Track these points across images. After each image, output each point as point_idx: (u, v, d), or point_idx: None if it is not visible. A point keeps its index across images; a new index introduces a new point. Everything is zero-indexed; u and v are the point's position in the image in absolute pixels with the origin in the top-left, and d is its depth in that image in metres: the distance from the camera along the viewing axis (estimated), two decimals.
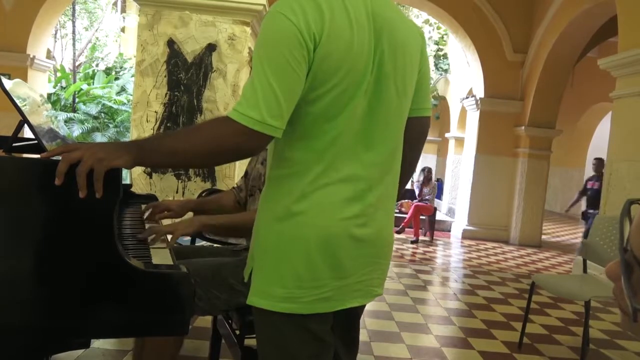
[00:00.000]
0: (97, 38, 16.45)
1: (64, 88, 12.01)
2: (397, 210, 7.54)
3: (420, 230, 7.63)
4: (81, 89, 11.80)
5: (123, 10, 18.56)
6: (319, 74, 1.05)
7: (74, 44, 13.28)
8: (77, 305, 1.21)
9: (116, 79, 12.86)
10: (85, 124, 10.68)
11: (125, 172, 1.55)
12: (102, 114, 11.27)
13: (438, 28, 11.36)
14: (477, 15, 7.67)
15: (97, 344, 2.69)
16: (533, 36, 7.62)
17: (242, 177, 2.15)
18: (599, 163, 6.83)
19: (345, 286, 1.14)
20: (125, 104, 11.37)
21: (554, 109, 7.72)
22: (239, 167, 4.66)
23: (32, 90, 1.91)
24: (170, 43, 4.60)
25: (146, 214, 1.87)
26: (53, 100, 11.22)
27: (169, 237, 1.74)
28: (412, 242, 7.33)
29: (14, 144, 1.60)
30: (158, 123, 4.67)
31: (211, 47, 4.62)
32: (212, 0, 4.56)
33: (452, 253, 7.03)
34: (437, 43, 11.65)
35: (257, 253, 1.16)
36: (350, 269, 1.14)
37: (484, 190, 8.05)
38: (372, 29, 1.11)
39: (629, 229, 0.56)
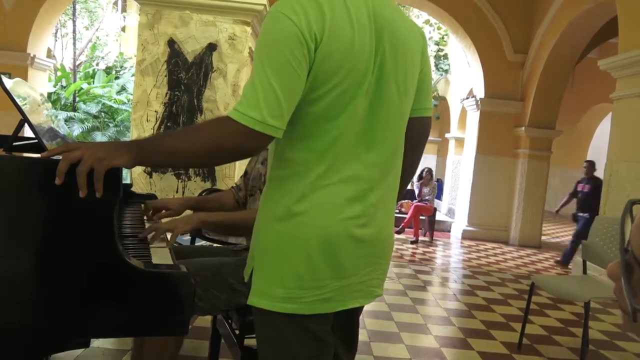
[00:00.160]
0: (97, 37, 16.45)
1: (64, 87, 12.01)
2: (397, 211, 7.54)
3: (420, 231, 7.63)
4: (81, 88, 11.80)
5: (123, 10, 18.56)
6: (320, 73, 1.05)
7: (74, 43, 13.28)
8: (77, 305, 1.21)
9: (116, 78, 12.86)
10: (86, 123, 10.69)
11: (125, 172, 1.55)
12: (102, 113, 11.28)
13: (439, 28, 11.36)
14: (477, 15, 7.67)
15: (96, 343, 2.69)
16: (533, 36, 7.62)
17: (241, 177, 2.14)
18: (590, 166, 6.73)
19: (346, 286, 1.14)
20: (125, 103, 11.38)
21: (554, 110, 7.72)
22: (239, 167, 4.66)
23: (33, 90, 1.91)
24: (171, 42, 4.60)
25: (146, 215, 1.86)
26: (53, 99, 11.22)
27: (169, 235, 1.74)
28: (412, 243, 7.33)
29: (14, 143, 1.60)
30: (158, 122, 4.67)
31: (212, 47, 4.62)
32: (212, 0, 4.56)
33: (451, 253, 7.03)
34: (437, 43, 11.65)
35: (257, 253, 1.16)
36: (351, 269, 1.14)
37: (484, 190, 8.05)
38: (374, 28, 1.10)
39: (630, 230, 0.56)
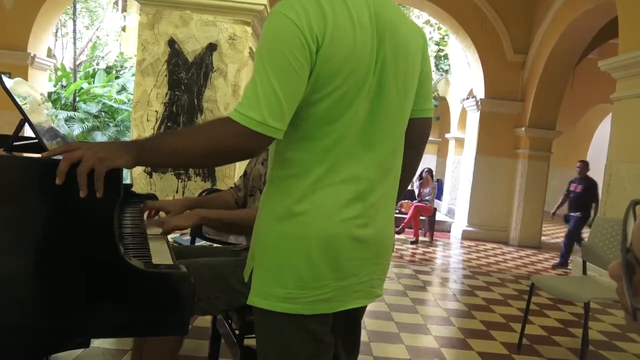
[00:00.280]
0: (97, 37, 16.45)
1: (65, 87, 12.02)
2: (397, 211, 7.54)
3: (420, 231, 7.63)
4: (82, 88, 11.81)
5: (124, 9, 18.57)
6: (322, 75, 1.05)
7: (74, 43, 13.29)
8: (77, 305, 1.21)
9: (117, 77, 12.86)
10: (86, 122, 10.69)
11: (125, 172, 1.55)
12: (103, 113, 11.28)
13: (439, 29, 11.36)
14: (477, 15, 7.67)
15: (96, 343, 2.69)
16: (534, 37, 7.62)
17: (240, 177, 2.14)
18: (583, 165, 6.67)
19: (346, 287, 1.14)
20: (125, 103, 11.38)
21: (555, 110, 7.72)
22: (239, 167, 4.66)
23: (33, 89, 1.91)
24: (171, 42, 4.60)
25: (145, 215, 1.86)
26: (53, 99, 11.22)
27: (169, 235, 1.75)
28: (412, 243, 7.33)
29: (14, 143, 1.60)
30: (158, 122, 4.67)
31: (212, 47, 4.62)
32: (213, 0, 4.56)
33: (451, 254, 7.03)
34: (437, 44, 11.65)
35: (257, 253, 1.16)
36: (351, 270, 1.14)
37: (484, 191, 8.05)
38: (375, 30, 1.10)
39: (632, 230, 0.56)
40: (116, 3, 18.08)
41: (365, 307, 1.30)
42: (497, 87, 7.90)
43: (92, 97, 11.66)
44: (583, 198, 6.42)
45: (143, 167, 4.58)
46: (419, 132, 1.31)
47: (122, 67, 13.98)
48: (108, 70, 13.72)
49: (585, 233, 6.84)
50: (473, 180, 8.09)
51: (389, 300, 4.15)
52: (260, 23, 4.84)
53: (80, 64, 14.01)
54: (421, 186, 7.89)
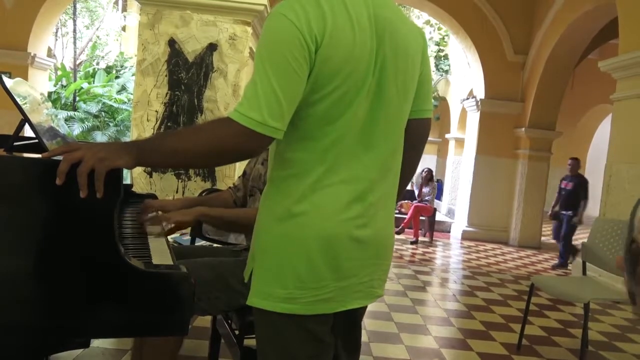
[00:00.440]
0: (97, 37, 16.45)
1: (65, 86, 12.02)
2: (397, 211, 7.55)
3: (419, 231, 7.63)
4: (82, 88, 11.81)
5: (124, 9, 18.57)
6: (321, 75, 1.05)
7: (74, 43, 13.28)
8: (77, 305, 1.21)
9: (117, 77, 12.86)
10: (86, 122, 10.69)
11: (125, 172, 1.55)
12: (103, 113, 11.28)
13: (439, 29, 11.37)
14: (477, 16, 7.68)
15: (96, 343, 2.69)
16: (534, 37, 7.63)
17: (239, 177, 2.14)
18: (575, 163, 6.59)
19: (346, 287, 1.14)
20: (125, 102, 11.38)
21: (555, 111, 7.73)
22: (239, 167, 4.66)
23: (33, 89, 1.92)
24: (171, 42, 4.60)
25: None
26: (53, 98, 11.22)
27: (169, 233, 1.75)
28: (412, 243, 7.33)
29: (14, 143, 1.60)
30: (158, 122, 4.67)
31: (212, 47, 4.62)
32: (213, 0, 4.56)
33: (451, 254, 7.03)
34: (437, 44, 11.66)
35: (257, 253, 1.16)
36: (351, 270, 1.14)
37: (484, 191, 8.05)
38: (374, 30, 1.10)
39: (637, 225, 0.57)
40: (116, 3, 18.08)
41: (366, 307, 1.31)
42: (497, 87, 7.90)
43: (92, 96, 11.66)
44: (574, 196, 6.37)
45: (143, 167, 4.58)
46: (418, 132, 1.31)
47: (122, 67, 13.98)
48: (108, 70, 13.72)
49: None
50: (473, 180, 8.10)
51: (388, 300, 4.15)
52: (260, 23, 4.84)
53: (80, 63, 14.01)
54: (421, 186, 7.88)
